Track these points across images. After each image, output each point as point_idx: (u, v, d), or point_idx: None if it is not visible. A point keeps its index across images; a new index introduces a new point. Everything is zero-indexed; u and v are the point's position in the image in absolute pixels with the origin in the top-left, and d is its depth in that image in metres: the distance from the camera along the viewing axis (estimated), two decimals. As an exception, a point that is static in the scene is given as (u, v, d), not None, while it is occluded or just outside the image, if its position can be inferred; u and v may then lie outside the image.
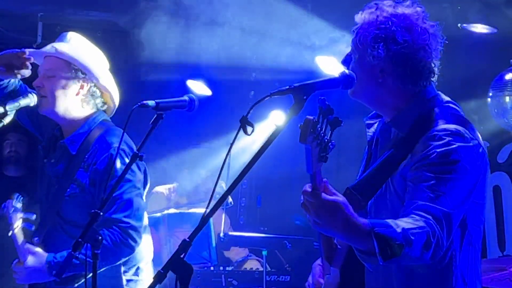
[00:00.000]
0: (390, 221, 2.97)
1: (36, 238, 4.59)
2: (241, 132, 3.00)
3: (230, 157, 3.18)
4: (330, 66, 8.02)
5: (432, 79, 3.36)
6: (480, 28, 7.25)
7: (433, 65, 3.34)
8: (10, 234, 4.54)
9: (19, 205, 4.56)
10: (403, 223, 2.97)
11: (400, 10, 3.33)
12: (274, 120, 8.84)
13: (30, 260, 4.49)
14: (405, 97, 3.34)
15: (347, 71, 3.18)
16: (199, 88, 9.20)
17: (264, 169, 8.87)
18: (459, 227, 3.18)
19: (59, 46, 4.66)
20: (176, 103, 4.01)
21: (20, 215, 4.52)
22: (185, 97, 4.03)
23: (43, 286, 4.55)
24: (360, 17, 3.38)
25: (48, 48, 4.69)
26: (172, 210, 7.69)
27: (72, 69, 4.62)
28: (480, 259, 3.36)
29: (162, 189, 8.61)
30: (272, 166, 9.00)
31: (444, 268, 3.21)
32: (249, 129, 3.00)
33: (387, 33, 3.27)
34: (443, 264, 3.20)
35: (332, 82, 3.15)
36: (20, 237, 4.54)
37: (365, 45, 3.31)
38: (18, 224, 4.53)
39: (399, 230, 2.92)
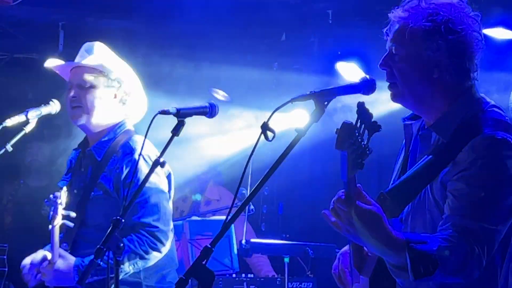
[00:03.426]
0: (426, 236, 2.90)
1: (64, 244, 4.64)
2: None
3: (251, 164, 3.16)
4: (351, 71, 8.01)
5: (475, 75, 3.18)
6: (501, 33, 7.19)
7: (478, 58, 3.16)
8: (50, 227, 4.56)
9: (64, 200, 4.59)
10: (440, 239, 2.88)
11: (444, 0, 3.14)
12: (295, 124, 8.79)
13: (60, 263, 4.54)
14: (454, 95, 3.14)
15: (368, 76, 3.15)
16: (220, 95, 9.21)
17: (285, 175, 8.87)
18: (501, 241, 3.00)
19: (92, 56, 4.73)
20: (197, 110, 4.02)
21: (62, 211, 4.55)
22: (206, 104, 4.05)
23: None
24: (400, 13, 3.17)
25: (85, 59, 4.75)
26: (193, 217, 7.69)
27: (108, 79, 4.69)
28: None
29: None
30: (294, 172, 9.00)
31: (485, 282, 3.03)
32: (270, 134, 2.99)
33: (441, 23, 3.08)
34: (484, 278, 2.99)
35: (353, 88, 3.12)
36: (57, 234, 4.56)
37: (416, 39, 3.11)
38: (59, 220, 4.55)
39: (435, 247, 2.83)
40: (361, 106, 2.75)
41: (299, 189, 9.69)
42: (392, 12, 3.22)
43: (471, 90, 3.18)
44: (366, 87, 3.12)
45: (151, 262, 4.56)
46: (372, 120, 2.74)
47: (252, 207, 7.54)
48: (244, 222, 7.89)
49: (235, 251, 7.40)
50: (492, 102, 3.20)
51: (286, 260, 7.51)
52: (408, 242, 2.82)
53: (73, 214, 4.54)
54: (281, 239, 8.55)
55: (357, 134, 2.72)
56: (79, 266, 4.51)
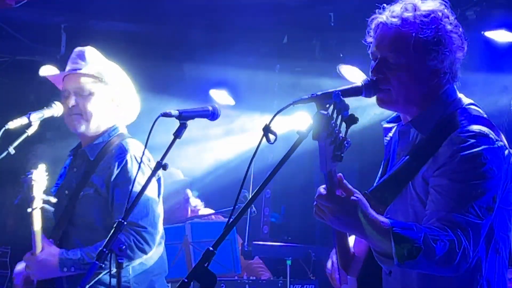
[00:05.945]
0: (413, 224, 2.92)
1: (51, 240, 4.63)
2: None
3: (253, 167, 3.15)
4: (353, 74, 8.01)
5: None
6: (503, 36, 7.19)
7: None
8: (29, 210, 4.56)
9: (43, 182, 4.58)
10: (426, 228, 2.90)
11: (434, 7, 3.15)
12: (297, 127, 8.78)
13: (43, 253, 4.55)
14: (433, 96, 3.17)
15: (369, 79, 3.16)
16: (222, 97, 9.21)
17: (287, 178, 8.86)
18: (486, 233, 3.03)
19: (88, 64, 4.72)
20: (199, 113, 4.03)
21: (42, 195, 4.56)
22: (208, 107, 4.05)
23: (52, 284, 4.59)
24: (393, 20, 3.16)
25: (83, 67, 4.75)
26: (195, 220, 7.69)
27: (105, 84, 4.73)
28: (507, 267, 3.22)
29: None
30: (296, 175, 8.99)
31: (468, 275, 3.06)
32: (271, 137, 2.99)
33: (443, 33, 3.11)
34: (467, 271, 3.02)
35: (354, 90, 3.13)
36: (37, 220, 4.55)
37: (419, 49, 3.11)
38: (38, 203, 4.55)
39: (420, 233, 2.86)
40: (336, 96, 2.74)
41: (301, 191, 9.69)
42: (380, 16, 3.21)
43: (449, 90, 3.21)
44: (368, 89, 3.13)
45: (135, 262, 4.56)
46: (349, 112, 2.72)
47: (254, 209, 7.54)
48: (246, 224, 7.90)
49: (238, 253, 7.40)
50: (470, 101, 3.24)
51: (288, 262, 7.51)
52: (392, 227, 2.86)
53: (53, 200, 4.57)
54: (283, 242, 8.55)
55: (333, 125, 2.71)
56: (63, 258, 4.52)
